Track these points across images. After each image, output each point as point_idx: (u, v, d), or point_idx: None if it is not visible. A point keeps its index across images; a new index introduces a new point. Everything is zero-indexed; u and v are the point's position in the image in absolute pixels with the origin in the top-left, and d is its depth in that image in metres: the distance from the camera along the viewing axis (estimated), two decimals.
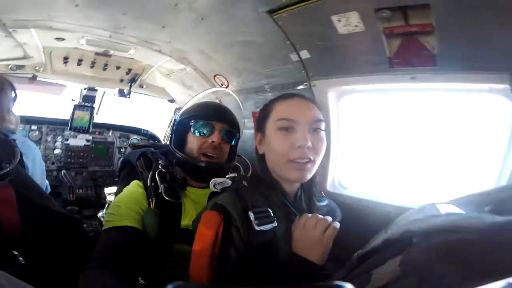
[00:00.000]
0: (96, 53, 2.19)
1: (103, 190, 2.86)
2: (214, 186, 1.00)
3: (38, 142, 2.75)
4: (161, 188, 1.16)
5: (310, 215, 0.93)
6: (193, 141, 1.26)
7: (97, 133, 2.99)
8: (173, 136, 1.32)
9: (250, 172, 1.40)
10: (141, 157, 1.31)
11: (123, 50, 2.08)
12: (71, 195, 2.76)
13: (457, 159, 1.38)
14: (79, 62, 2.30)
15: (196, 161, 1.24)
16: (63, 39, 1.89)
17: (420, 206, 0.74)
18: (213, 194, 1.03)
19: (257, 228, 0.84)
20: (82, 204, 2.75)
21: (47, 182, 1.93)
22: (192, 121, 1.27)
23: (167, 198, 1.15)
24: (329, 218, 0.93)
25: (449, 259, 0.49)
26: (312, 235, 0.89)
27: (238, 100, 1.78)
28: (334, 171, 1.65)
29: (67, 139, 2.87)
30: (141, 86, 2.79)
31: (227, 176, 1.03)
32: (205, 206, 1.01)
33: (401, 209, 1.31)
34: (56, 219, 1.21)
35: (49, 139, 2.81)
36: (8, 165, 1.01)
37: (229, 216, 0.88)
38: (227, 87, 2.04)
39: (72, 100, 2.80)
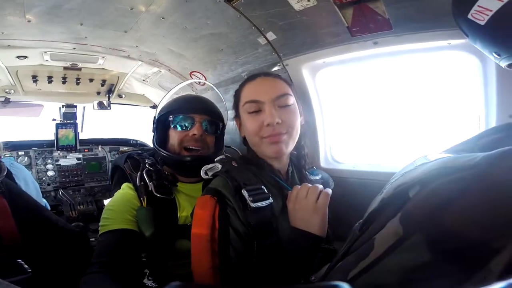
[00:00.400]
0: (65, 68, 2.14)
1: (103, 202, 2.86)
2: (205, 173, 1.01)
3: (28, 167, 2.72)
4: (151, 186, 1.16)
5: (300, 186, 0.94)
6: (174, 136, 1.26)
7: (86, 150, 2.96)
8: (154, 134, 1.31)
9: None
10: (127, 159, 1.31)
11: (91, 61, 2.04)
12: (73, 212, 2.75)
13: (437, 118, 1.39)
14: (50, 79, 2.24)
15: (180, 156, 1.24)
16: (25, 57, 1.84)
17: (412, 161, 0.74)
18: (206, 184, 1.03)
19: (252, 205, 0.85)
20: (86, 219, 2.75)
21: (44, 201, 1.95)
22: (171, 116, 1.26)
23: (158, 195, 1.15)
24: (320, 186, 0.94)
25: (452, 208, 0.44)
26: (305, 205, 0.90)
27: (217, 91, 1.74)
28: (324, 147, 1.66)
29: (57, 160, 2.84)
30: (120, 96, 2.74)
31: (216, 159, 1.04)
32: (201, 195, 1.03)
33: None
34: (55, 228, 1.23)
35: (39, 162, 2.78)
36: None
37: (223, 197, 0.89)
38: (204, 83, 2.01)
39: (53, 119, 2.75)
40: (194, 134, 1.23)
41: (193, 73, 2.01)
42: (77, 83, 2.39)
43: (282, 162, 1.05)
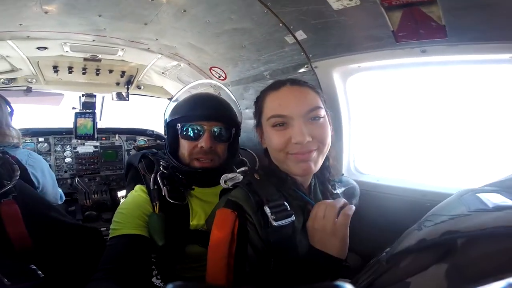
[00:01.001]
0: (85, 59, 2.12)
1: (117, 193, 2.88)
2: (225, 182, 0.94)
3: (47, 153, 2.79)
4: (164, 190, 1.10)
5: (319, 203, 0.86)
6: (184, 145, 1.17)
7: (103, 138, 2.99)
8: (166, 140, 1.23)
9: (258, 165, 1.31)
10: (142, 159, 1.25)
11: (111, 53, 1.99)
12: (87, 201, 2.79)
13: (479, 136, 1.24)
14: (70, 69, 2.24)
15: (190, 167, 1.16)
16: (45, 48, 1.82)
17: (457, 194, 0.66)
18: (224, 191, 0.97)
19: (274, 223, 0.79)
20: (99, 208, 2.79)
21: (60, 190, 1.94)
22: (179, 124, 1.15)
23: (171, 201, 1.09)
24: (339, 203, 0.85)
25: None
26: (323, 225, 0.82)
27: (228, 91, 1.62)
28: (348, 157, 1.54)
29: (75, 147, 2.89)
30: (138, 87, 2.71)
31: (238, 171, 0.96)
32: (217, 203, 0.95)
33: (424, 194, 1.23)
34: (66, 230, 1.21)
35: (58, 149, 2.84)
36: (9, 182, 1.02)
37: (244, 212, 0.83)
38: (224, 78, 1.92)
39: (73, 108, 2.77)
40: (202, 147, 1.13)
41: (213, 68, 1.92)
42: (97, 74, 2.37)
43: (306, 176, 0.95)
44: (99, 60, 2.15)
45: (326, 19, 1.09)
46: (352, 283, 0.74)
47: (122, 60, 2.16)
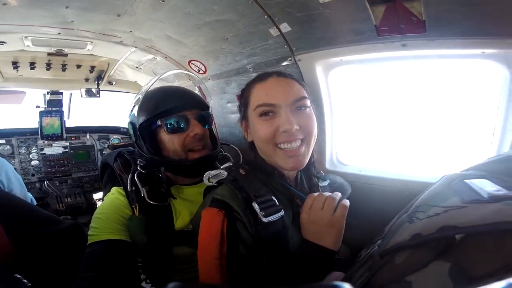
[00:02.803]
0: (49, 54, 1.95)
1: (93, 195, 2.74)
2: (208, 180, 0.92)
3: (10, 156, 2.59)
4: (143, 191, 1.05)
5: (316, 194, 0.86)
6: (172, 140, 1.10)
7: (73, 138, 2.81)
8: (143, 144, 1.14)
9: (241, 160, 1.30)
10: (117, 158, 1.18)
11: (79, 47, 1.85)
12: (60, 205, 2.63)
13: (453, 126, 1.32)
14: (32, 65, 2.06)
15: (189, 160, 1.11)
16: (3, 42, 1.64)
17: (444, 181, 0.66)
18: (208, 189, 0.95)
19: (264, 219, 0.78)
20: (74, 212, 2.65)
21: (30, 195, 1.83)
22: (159, 121, 1.09)
23: (151, 202, 1.04)
24: (338, 195, 0.86)
25: None
26: (321, 217, 0.82)
27: (198, 82, 1.59)
28: (331, 148, 1.58)
29: (42, 149, 2.69)
30: (110, 83, 2.55)
31: (222, 167, 0.94)
32: (202, 203, 0.93)
33: (405, 183, 1.29)
34: (48, 225, 1.15)
35: (22, 151, 2.63)
36: None
37: (231, 210, 0.80)
38: (204, 72, 1.86)
39: (37, 106, 2.56)
40: (197, 134, 1.10)
41: (192, 61, 1.85)
42: (63, 70, 2.20)
43: (295, 170, 0.96)
44: (65, 55, 1.99)
45: (311, 11, 1.09)
46: (345, 279, 0.76)
47: (92, 54, 2.01)
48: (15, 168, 2.49)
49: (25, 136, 2.63)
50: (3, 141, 2.56)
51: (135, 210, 1.04)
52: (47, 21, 1.44)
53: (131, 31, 1.57)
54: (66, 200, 2.66)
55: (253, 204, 0.79)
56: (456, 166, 0.74)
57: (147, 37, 1.64)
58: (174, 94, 1.15)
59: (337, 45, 1.23)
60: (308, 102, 0.88)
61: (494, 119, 1.04)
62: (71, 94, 2.62)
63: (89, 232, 1.04)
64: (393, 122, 1.52)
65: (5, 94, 2.40)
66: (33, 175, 2.65)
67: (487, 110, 1.08)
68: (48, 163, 2.70)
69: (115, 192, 1.11)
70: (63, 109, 2.60)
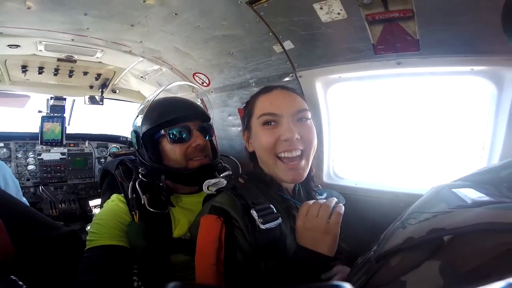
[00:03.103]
0: (59, 59, 2.01)
1: (88, 202, 2.71)
2: (208, 188, 0.95)
3: (7, 159, 2.58)
4: (144, 199, 1.07)
5: (311, 202, 0.88)
6: (174, 150, 1.15)
7: (71, 145, 2.82)
8: (145, 152, 1.17)
9: (240, 171, 1.34)
10: (119, 166, 1.21)
11: (88, 54, 1.92)
12: (53, 210, 2.59)
13: (446, 140, 1.39)
14: (40, 70, 2.11)
15: (189, 169, 1.15)
16: (17, 45, 1.70)
17: (433, 191, 0.70)
18: (207, 198, 0.98)
19: (262, 226, 0.80)
20: (68, 218, 2.60)
21: (24, 199, 1.81)
22: (163, 130, 1.14)
23: (151, 210, 1.07)
24: (332, 201, 0.88)
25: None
26: (316, 224, 0.83)
27: (201, 94, 1.66)
28: (328, 162, 1.63)
29: (40, 154, 2.69)
30: (113, 91, 2.61)
31: (221, 175, 0.98)
32: (201, 210, 0.96)
33: (397, 195, 1.34)
34: (48, 229, 1.14)
35: (19, 155, 2.63)
36: None
37: (230, 217, 0.82)
38: (208, 85, 1.93)
39: (39, 111, 2.59)
40: (198, 144, 1.14)
41: (196, 74, 1.93)
42: (70, 76, 2.26)
43: (294, 183, 1.00)
44: (74, 61, 2.05)
45: (314, 30, 1.17)
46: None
47: (100, 62, 2.09)
48: None
49: (24, 140, 2.64)
50: (1, 144, 2.57)
51: (135, 216, 1.06)
52: (64, 27, 1.50)
53: (141, 42, 1.65)
54: (60, 206, 2.63)
55: (251, 211, 0.81)
56: (447, 178, 0.78)
57: (156, 48, 1.72)
58: (178, 105, 1.20)
59: (336, 63, 1.31)
60: (309, 115, 0.94)
61: (483, 133, 1.10)
62: (74, 100, 2.66)
63: (88, 237, 1.05)
64: (388, 136, 1.58)
65: (9, 97, 2.43)
66: (28, 179, 2.65)
67: (477, 125, 1.15)
68: (44, 168, 2.70)
69: (115, 199, 1.14)
70: (65, 115, 2.64)
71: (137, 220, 1.06)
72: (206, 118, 1.25)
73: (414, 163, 1.48)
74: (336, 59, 1.30)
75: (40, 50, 1.81)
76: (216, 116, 2.06)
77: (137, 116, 1.22)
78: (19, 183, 2.52)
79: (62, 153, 2.78)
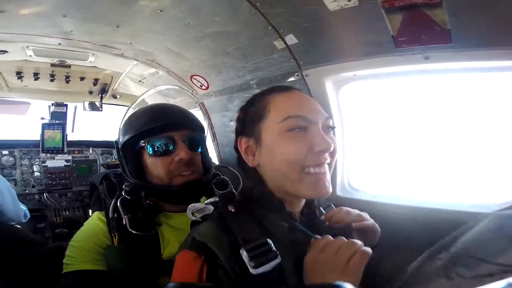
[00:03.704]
0: (52, 65, 1.93)
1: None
2: (192, 214, 0.77)
3: (12, 167, 2.57)
4: (125, 219, 0.93)
5: (330, 237, 0.69)
6: (156, 164, 0.99)
7: (76, 152, 2.77)
8: (125, 165, 1.03)
9: (241, 186, 1.15)
10: (103, 180, 1.07)
11: (81, 58, 1.82)
12: (57, 218, 2.56)
13: (481, 149, 1.15)
14: (36, 76, 2.04)
15: (172, 186, 0.99)
16: (5, 51, 1.62)
17: (494, 221, 0.51)
18: (194, 222, 0.79)
19: (254, 272, 0.61)
20: (72, 225, 2.55)
21: (24, 207, 1.80)
22: (143, 141, 0.99)
23: (134, 232, 0.93)
24: (358, 242, 0.68)
25: None
26: (332, 262, 0.65)
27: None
28: (342, 173, 1.42)
29: (44, 161, 2.67)
30: (114, 97, 2.52)
31: (205, 202, 0.78)
32: (185, 239, 0.78)
33: (427, 212, 1.12)
34: (29, 247, 1.12)
35: (24, 162, 2.61)
36: None
37: (213, 256, 0.65)
38: (207, 88, 1.77)
39: (42, 118, 2.55)
40: (182, 159, 0.97)
41: (194, 76, 1.77)
42: (67, 81, 2.18)
43: (300, 203, 0.80)
44: (68, 67, 1.96)
45: (320, 21, 0.98)
46: None
47: (95, 66, 1.99)
48: (15, 179, 2.53)
49: (28, 148, 2.62)
50: (6, 152, 2.55)
51: (114, 238, 0.93)
52: (46, 31, 1.40)
53: (131, 43, 1.51)
54: (64, 213, 2.60)
55: (241, 251, 0.63)
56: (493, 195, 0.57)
57: (148, 50, 1.58)
58: (162, 112, 1.03)
59: (349, 59, 1.11)
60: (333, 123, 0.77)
61: None
62: (75, 107, 2.60)
63: (64, 261, 0.94)
64: (412, 142, 1.35)
65: (10, 104, 2.40)
66: (33, 186, 2.62)
67: None
68: (49, 175, 2.67)
69: (95, 218, 1.01)
70: (68, 122, 2.59)
71: (116, 243, 0.93)
72: (197, 127, 1.07)
73: (445, 174, 1.25)
74: (349, 54, 1.10)
75: (30, 56, 1.73)
76: (217, 122, 1.90)
77: (121, 123, 1.08)
78: (25, 190, 2.58)
79: (67, 160, 2.74)
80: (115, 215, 0.96)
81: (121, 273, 0.91)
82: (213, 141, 2.04)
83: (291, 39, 1.13)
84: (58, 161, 2.70)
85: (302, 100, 0.75)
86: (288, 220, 0.74)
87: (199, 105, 1.87)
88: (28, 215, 1.90)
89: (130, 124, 1.02)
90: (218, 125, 1.91)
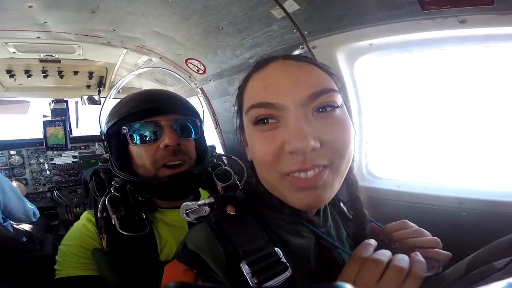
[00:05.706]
0: (41, 60, 1.81)
1: None
2: (187, 215, 0.62)
3: (21, 166, 2.57)
4: (114, 219, 0.84)
5: (367, 255, 0.51)
6: (140, 153, 0.87)
7: (82, 147, 2.73)
8: (110, 156, 0.93)
9: (245, 178, 1.00)
10: (93, 176, 0.98)
11: (67, 51, 1.69)
12: (69, 215, 2.58)
13: None
14: (28, 73, 1.94)
15: (158, 179, 0.87)
16: None
17: None
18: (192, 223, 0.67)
19: None
20: None
21: (33, 206, 1.81)
22: (124, 127, 0.87)
23: (124, 233, 0.83)
24: (405, 261, 0.50)
25: None
26: (372, 284, 0.48)
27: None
28: (360, 158, 1.26)
29: (51, 159, 2.64)
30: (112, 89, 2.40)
31: (198, 204, 0.62)
32: (179, 246, 0.65)
33: (461, 201, 0.97)
34: (20, 253, 1.03)
35: (32, 161, 2.60)
36: None
37: (208, 270, 0.52)
38: (204, 72, 1.61)
39: (44, 116, 2.49)
40: (167, 145, 0.85)
41: (189, 60, 1.60)
42: (61, 77, 2.06)
43: (312, 209, 0.64)
44: (58, 61, 1.84)
45: None
46: None
47: (85, 59, 1.85)
48: (25, 179, 2.53)
49: (35, 146, 2.59)
50: (14, 152, 2.55)
51: (103, 241, 0.85)
52: (20, 24, 1.27)
53: (114, 30, 1.35)
54: (75, 210, 2.60)
55: (241, 265, 0.49)
56: None
57: (133, 35, 1.41)
58: (148, 96, 0.90)
59: (364, 25, 0.92)
60: (338, 99, 0.52)
61: None
62: (76, 102, 2.52)
63: (55, 266, 0.87)
64: (444, 121, 1.15)
65: (9, 104, 2.35)
66: (44, 184, 2.62)
67: None
68: (58, 172, 2.66)
69: (84, 218, 0.92)
70: (71, 118, 2.53)
71: (105, 246, 0.85)
72: (190, 112, 0.94)
73: (484, 159, 1.06)
74: (364, 19, 0.90)
75: (14, 52, 1.61)
76: (219, 107, 1.75)
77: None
78: (36, 188, 2.60)
79: (74, 157, 2.71)
80: (104, 215, 0.86)
81: (109, 280, 0.82)
82: (216, 128, 1.90)
83: (291, 5, 0.94)
84: (66, 158, 2.67)
85: (275, 76, 0.53)
86: (302, 222, 0.60)
87: (200, 89, 1.71)
88: (38, 214, 1.90)
89: (114, 111, 0.91)
90: (220, 111, 1.76)
